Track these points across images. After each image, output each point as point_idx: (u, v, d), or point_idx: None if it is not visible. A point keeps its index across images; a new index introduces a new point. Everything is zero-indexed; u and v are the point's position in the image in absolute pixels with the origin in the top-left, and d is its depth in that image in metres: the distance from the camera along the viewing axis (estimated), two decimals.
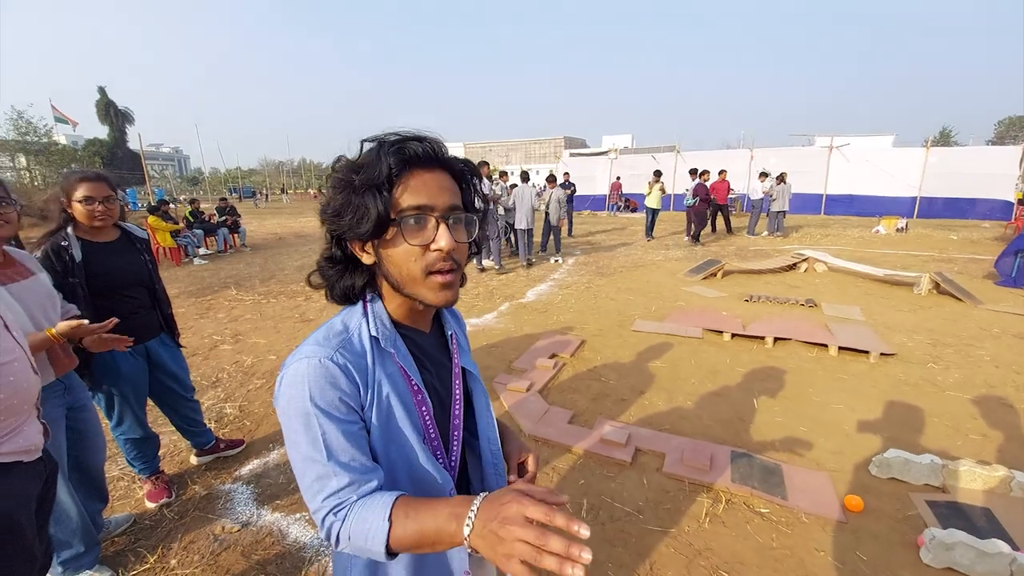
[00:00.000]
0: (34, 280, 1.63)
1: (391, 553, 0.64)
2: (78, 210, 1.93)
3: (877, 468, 2.42)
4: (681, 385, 3.46)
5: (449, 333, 0.89)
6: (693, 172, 11.24)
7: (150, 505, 2.28)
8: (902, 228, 11.99)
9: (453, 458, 0.83)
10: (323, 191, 0.77)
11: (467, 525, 0.57)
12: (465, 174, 0.76)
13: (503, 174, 8.88)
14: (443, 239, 0.69)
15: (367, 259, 0.75)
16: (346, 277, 0.77)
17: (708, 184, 10.74)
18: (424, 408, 0.77)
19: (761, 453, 2.60)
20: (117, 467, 2.58)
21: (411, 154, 0.68)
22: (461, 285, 0.77)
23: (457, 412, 0.85)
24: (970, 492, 2.25)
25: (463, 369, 0.89)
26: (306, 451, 0.67)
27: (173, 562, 1.95)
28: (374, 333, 0.74)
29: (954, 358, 3.86)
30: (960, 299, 5.44)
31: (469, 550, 0.58)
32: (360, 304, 0.78)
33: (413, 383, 0.76)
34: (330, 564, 1.92)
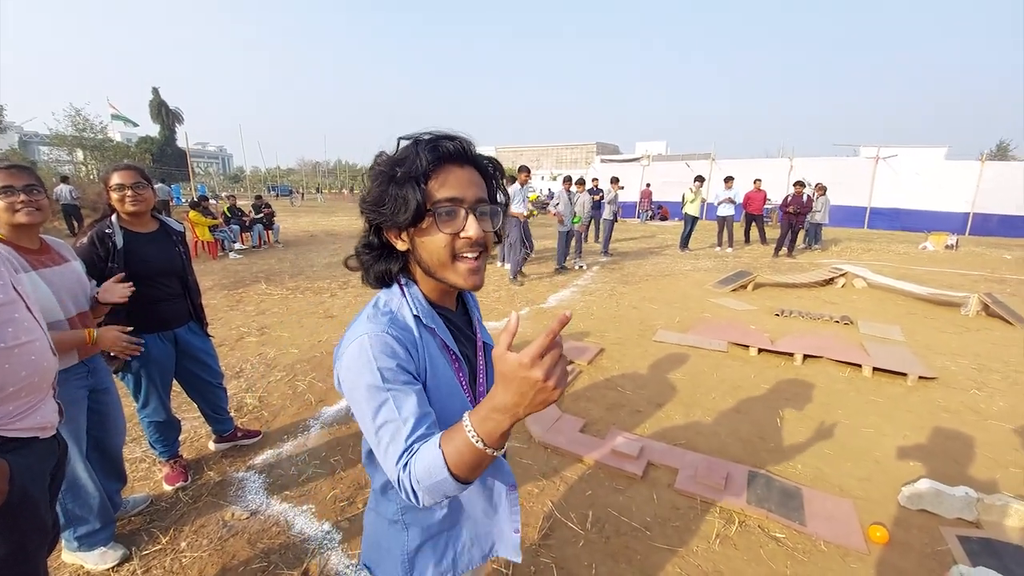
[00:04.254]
0: (67, 267, 1.71)
1: (459, 479, 0.65)
2: (112, 197, 2.05)
3: (907, 498, 2.27)
4: (701, 399, 3.35)
5: (472, 311, 1.00)
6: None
7: (167, 488, 2.36)
8: (952, 245, 11.34)
9: None
10: (363, 182, 0.85)
11: (468, 431, 0.63)
12: (490, 170, 0.84)
13: (573, 180, 8.37)
14: (472, 228, 0.77)
15: (401, 246, 0.83)
16: (381, 262, 0.85)
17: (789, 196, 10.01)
18: (461, 374, 0.87)
19: (781, 475, 2.49)
20: (140, 449, 2.69)
21: (444, 151, 0.77)
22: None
23: (482, 380, 0.95)
24: (1007, 529, 2.08)
25: (484, 343, 0.99)
26: (378, 416, 0.73)
27: (183, 544, 2.01)
28: (416, 312, 0.82)
29: (1000, 385, 3.61)
30: (1011, 323, 5.09)
31: (476, 439, 0.63)
32: (396, 287, 0.85)
33: (452, 353, 0.86)
34: (331, 557, 1.94)
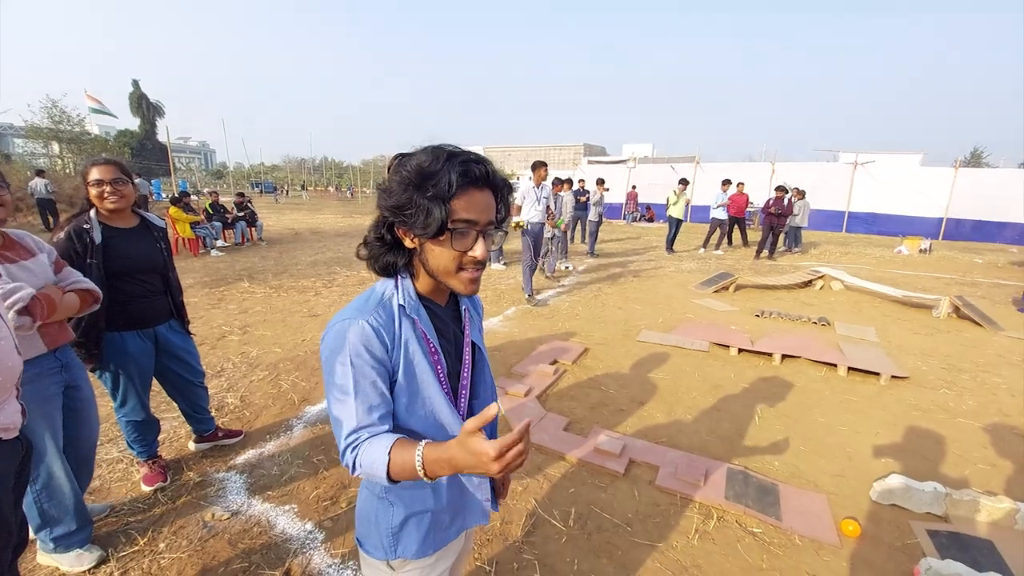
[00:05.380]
0: (33, 261, 1.66)
1: (392, 479, 0.80)
2: (91, 192, 2.01)
3: (878, 494, 2.35)
4: (682, 398, 3.41)
5: (462, 308, 1.04)
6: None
7: (145, 488, 2.32)
8: (926, 249, 11.67)
9: (461, 411, 0.99)
10: (386, 181, 0.88)
11: (417, 463, 0.76)
12: (503, 193, 0.90)
13: (561, 180, 8.11)
14: (479, 250, 0.86)
15: (410, 244, 0.89)
16: (389, 255, 0.91)
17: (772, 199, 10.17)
18: (440, 367, 0.93)
19: (758, 471, 2.55)
20: (117, 449, 2.64)
21: (472, 175, 0.82)
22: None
23: (465, 374, 1.01)
24: (973, 523, 2.17)
25: (472, 342, 1.04)
26: (338, 392, 0.85)
27: (162, 546, 1.98)
28: (402, 302, 0.89)
29: (969, 384, 3.74)
30: (980, 324, 5.27)
31: (420, 470, 0.77)
32: (394, 279, 0.92)
33: (431, 344, 0.92)
34: (313, 557, 1.93)
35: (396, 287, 0.91)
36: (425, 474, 0.76)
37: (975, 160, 38.30)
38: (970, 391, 3.62)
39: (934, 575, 1.77)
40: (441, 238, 0.84)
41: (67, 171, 19.14)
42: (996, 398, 3.50)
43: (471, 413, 1.03)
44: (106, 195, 2.00)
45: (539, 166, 5.94)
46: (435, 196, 0.80)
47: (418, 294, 0.93)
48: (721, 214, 10.73)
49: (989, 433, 3.01)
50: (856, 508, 2.30)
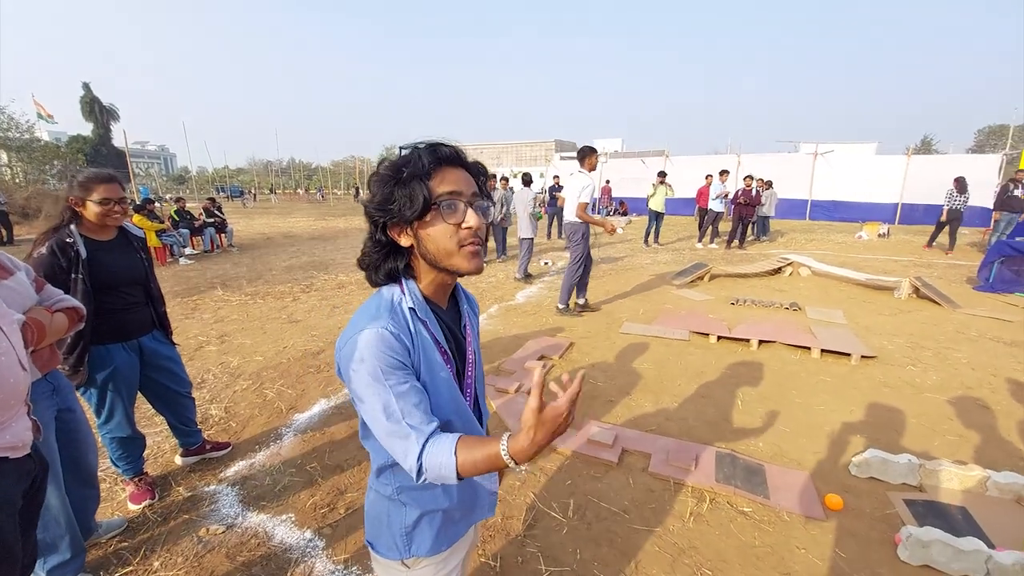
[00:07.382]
0: (14, 279, 1.59)
1: (460, 477, 0.81)
2: (93, 210, 1.96)
3: (856, 468, 2.47)
4: (667, 386, 3.50)
5: (463, 309, 1.06)
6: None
7: (133, 507, 2.25)
8: (884, 234, 12.25)
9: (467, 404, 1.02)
10: (369, 188, 0.90)
11: (504, 453, 0.77)
12: (478, 173, 0.93)
13: (503, 179, 8.68)
14: (472, 219, 0.86)
15: (405, 241, 0.89)
16: (389, 260, 0.92)
17: (739, 190, 10.43)
18: (449, 365, 0.94)
19: (745, 453, 2.65)
20: (100, 468, 2.53)
21: (442, 154, 0.86)
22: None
23: (470, 373, 1.03)
24: (947, 491, 2.31)
25: (472, 347, 1.06)
26: (381, 404, 0.82)
27: (156, 564, 1.93)
28: (411, 305, 0.90)
29: (932, 361, 3.95)
30: (939, 303, 5.57)
31: (514, 466, 0.78)
32: (396, 285, 0.92)
33: (440, 346, 0.93)
34: (315, 565, 1.92)
35: (403, 291, 0.91)
36: (516, 463, 0.78)
37: (926, 148, 40.23)
38: (934, 367, 3.83)
39: (915, 542, 1.88)
40: (429, 217, 0.85)
41: (17, 181, 18.14)
42: (958, 372, 3.72)
43: (474, 408, 1.05)
44: (113, 213, 1.98)
45: (590, 152, 4.95)
46: (411, 176, 0.83)
47: (423, 297, 0.93)
48: (717, 206, 10.68)
49: (954, 406, 3.20)
50: (837, 482, 2.42)
